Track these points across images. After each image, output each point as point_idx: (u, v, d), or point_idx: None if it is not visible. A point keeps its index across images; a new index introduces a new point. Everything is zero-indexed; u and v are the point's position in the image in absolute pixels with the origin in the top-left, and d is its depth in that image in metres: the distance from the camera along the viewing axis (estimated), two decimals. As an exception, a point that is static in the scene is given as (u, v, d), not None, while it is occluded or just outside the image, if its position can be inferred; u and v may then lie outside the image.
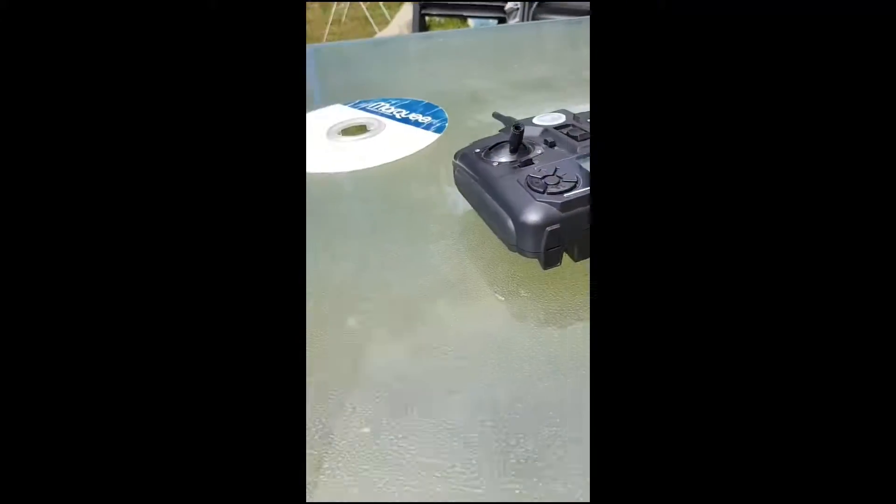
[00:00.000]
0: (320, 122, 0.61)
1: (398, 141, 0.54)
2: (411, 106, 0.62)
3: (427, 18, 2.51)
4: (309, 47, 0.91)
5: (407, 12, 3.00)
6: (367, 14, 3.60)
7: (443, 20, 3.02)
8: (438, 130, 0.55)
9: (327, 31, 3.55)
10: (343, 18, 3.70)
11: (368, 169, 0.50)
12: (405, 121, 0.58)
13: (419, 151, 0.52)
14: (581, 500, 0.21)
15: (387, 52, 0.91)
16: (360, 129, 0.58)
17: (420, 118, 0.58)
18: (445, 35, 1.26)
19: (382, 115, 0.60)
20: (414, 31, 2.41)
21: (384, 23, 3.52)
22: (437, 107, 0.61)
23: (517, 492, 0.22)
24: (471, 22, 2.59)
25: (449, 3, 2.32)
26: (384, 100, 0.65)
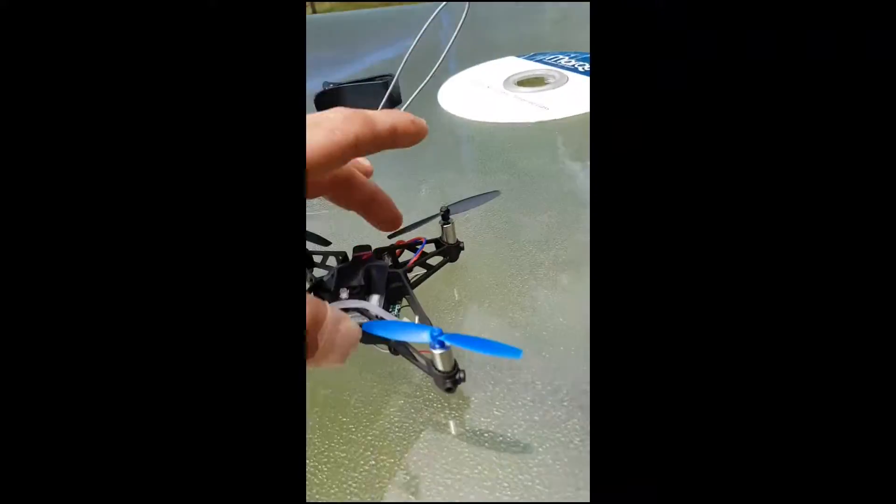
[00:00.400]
0: (494, 74, 0.59)
1: (586, 93, 0.50)
2: (594, 59, 0.58)
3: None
4: (450, 6, 0.89)
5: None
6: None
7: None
8: (630, 84, 0.50)
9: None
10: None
11: (556, 120, 0.47)
12: (589, 73, 0.54)
13: (611, 105, 0.48)
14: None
15: (554, 8, 0.86)
16: (539, 81, 0.55)
17: (606, 71, 0.54)
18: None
19: (563, 67, 0.57)
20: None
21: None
22: (623, 61, 0.56)
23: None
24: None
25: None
26: (562, 53, 0.61)
